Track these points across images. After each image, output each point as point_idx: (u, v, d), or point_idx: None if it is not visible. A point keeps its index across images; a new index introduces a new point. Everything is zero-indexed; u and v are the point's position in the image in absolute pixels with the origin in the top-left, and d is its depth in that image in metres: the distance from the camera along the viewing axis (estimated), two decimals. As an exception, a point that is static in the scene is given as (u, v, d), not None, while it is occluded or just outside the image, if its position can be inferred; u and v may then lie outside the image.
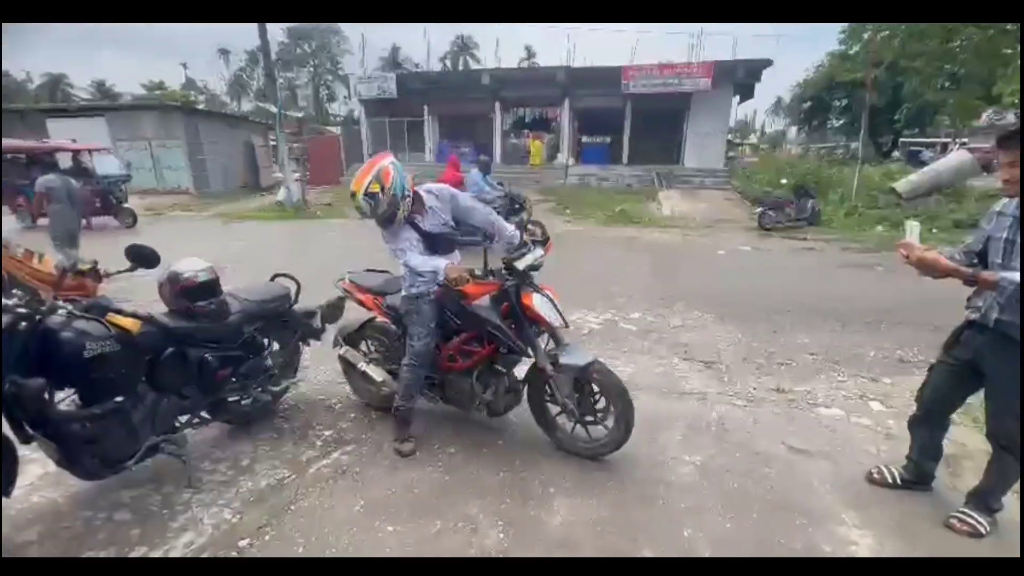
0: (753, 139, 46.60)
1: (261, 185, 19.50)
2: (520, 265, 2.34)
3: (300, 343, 3.14)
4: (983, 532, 2.06)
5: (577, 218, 11.96)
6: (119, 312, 1.93)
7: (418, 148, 20.00)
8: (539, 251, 2.48)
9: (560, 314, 2.43)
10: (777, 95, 44.66)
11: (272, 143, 19.15)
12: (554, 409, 2.59)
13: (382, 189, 2.26)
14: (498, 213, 7.20)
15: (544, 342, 2.54)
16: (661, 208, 13.14)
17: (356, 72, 21.58)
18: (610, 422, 2.45)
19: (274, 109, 13.79)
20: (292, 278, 3.01)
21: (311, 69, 45.39)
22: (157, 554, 1.96)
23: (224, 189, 17.88)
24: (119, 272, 2.17)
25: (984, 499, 2.09)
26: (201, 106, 29.20)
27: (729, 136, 20.92)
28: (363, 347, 3.07)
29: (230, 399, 2.68)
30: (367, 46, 23.29)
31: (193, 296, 2.37)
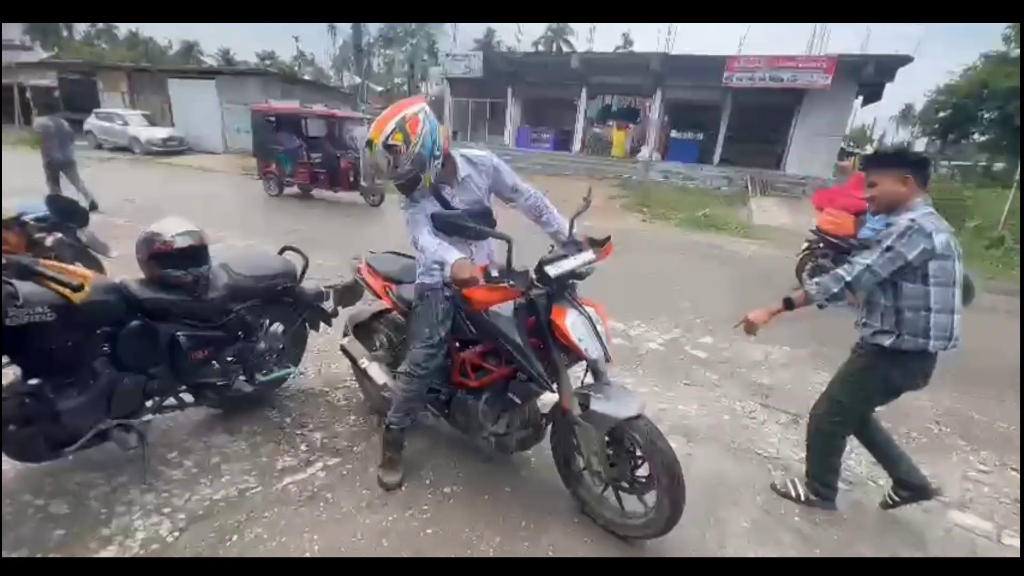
0: (869, 149, 41.46)
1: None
2: (554, 271, 1.74)
3: (306, 327, 2.77)
4: (793, 496, 2.27)
5: (654, 218, 10.97)
6: (42, 275, 1.59)
7: (498, 131, 19.63)
8: (587, 255, 1.87)
9: (602, 342, 1.81)
10: (905, 102, 39.32)
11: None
12: (582, 461, 1.98)
13: (406, 142, 1.74)
14: None
15: (582, 374, 1.94)
16: (752, 216, 11.76)
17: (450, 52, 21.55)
18: (651, 499, 1.81)
19: (370, 84, 13.96)
20: (300, 252, 2.62)
21: (409, 47, 46.57)
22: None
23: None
24: (37, 224, 1.90)
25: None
26: (307, 77, 30.84)
27: (841, 144, 18.53)
28: (376, 340, 2.62)
29: (218, 383, 2.35)
30: (462, 28, 23.17)
31: (168, 263, 2.02)
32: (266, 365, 2.53)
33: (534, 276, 1.78)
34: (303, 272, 2.59)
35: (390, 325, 2.47)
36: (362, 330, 2.59)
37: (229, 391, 2.35)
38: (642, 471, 1.84)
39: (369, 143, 1.79)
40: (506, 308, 1.86)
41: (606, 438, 1.80)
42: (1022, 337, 4.07)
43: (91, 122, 17.80)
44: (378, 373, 2.37)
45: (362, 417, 2.69)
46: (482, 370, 2.06)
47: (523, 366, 1.86)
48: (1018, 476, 2.65)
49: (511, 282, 1.72)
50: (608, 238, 2.01)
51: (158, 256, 2.00)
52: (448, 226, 1.78)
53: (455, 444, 2.42)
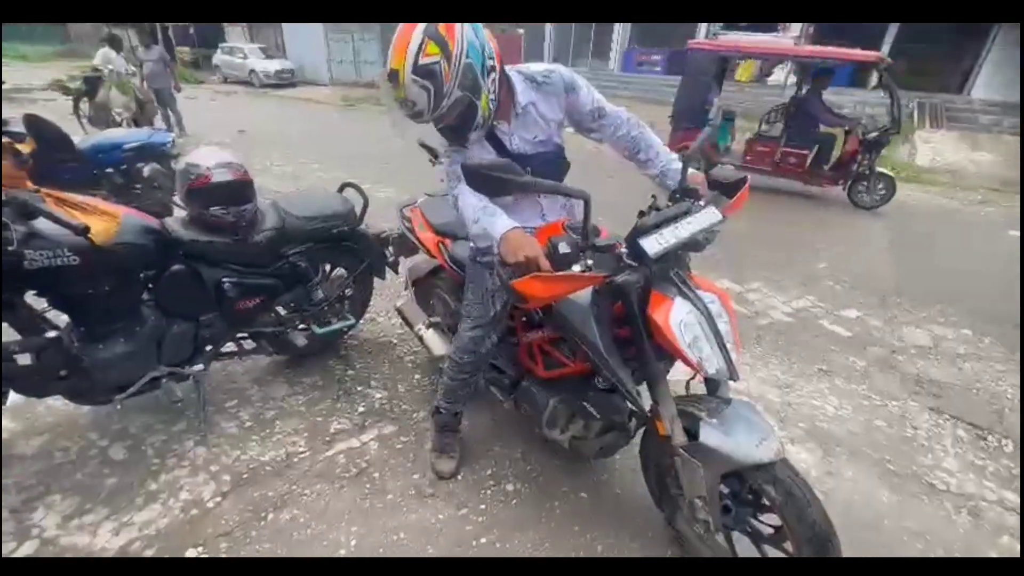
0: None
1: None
2: (654, 246, 1.15)
3: (371, 274, 2.49)
4: None
5: (783, 155, 9.23)
6: (49, 216, 1.37)
7: (602, 55, 17.80)
8: (708, 215, 1.25)
9: (725, 350, 1.23)
10: None
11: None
12: (682, 497, 1.48)
13: (445, 53, 1.14)
14: None
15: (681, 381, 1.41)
16: (916, 154, 9.49)
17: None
18: (777, 553, 1.29)
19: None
20: (359, 190, 2.28)
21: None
22: (110, 525, 1.56)
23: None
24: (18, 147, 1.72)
25: None
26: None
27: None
28: (435, 302, 2.26)
29: (274, 333, 2.18)
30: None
31: (208, 199, 1.77)
32: (326, 315, 2.31)
33: (624, 252, 1.20)
34: (363, 212, 2.27)
35: (448, 286, 2.06)
36: (422, 287, 2.23)
37: (285, 341, 2.18)
38: (769, 518, 1.31)
39: (392, 75, 1.16)
40: (581, 292, 1.33)
41: (718, 481, 1.27)
42: (1022, 312, 3.26)
43: (218, 57, 19.07)
44: (436, 343, 2.02)
45: (427, 376, 2.42)
46: (549, 359, 1.60)
47: (602, 373, 1.36)
48: None
49: (588, 263, 1.15)
50: (744, 180, 1.36)
51: (197, 191, 1.75)
52: (485, 183, 1.09)
53: (525, 429, 2.05)
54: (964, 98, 11.67)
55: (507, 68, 1.36)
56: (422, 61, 1.15)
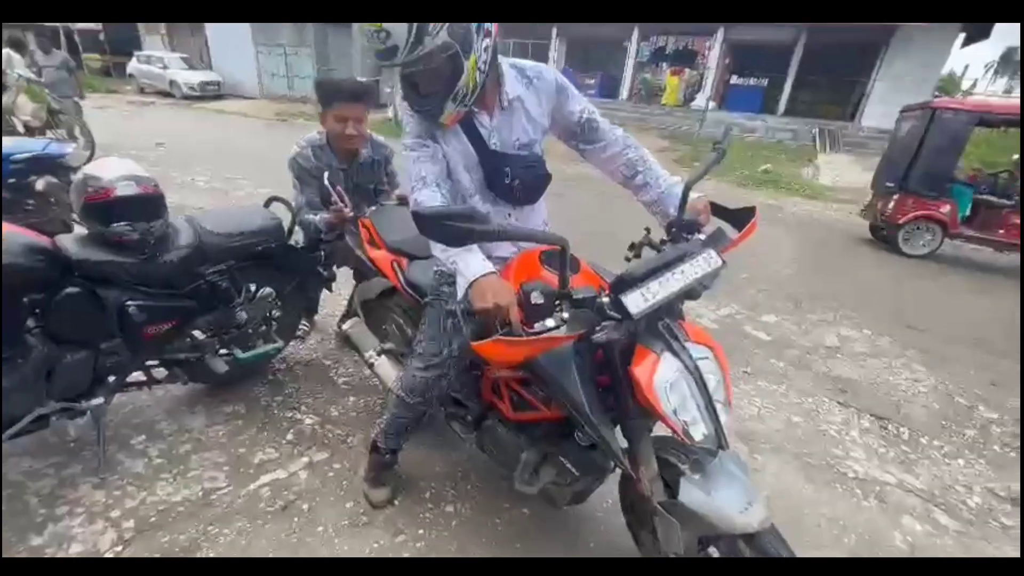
0: (961, 98, 36.68)
1: (381, 101, 19.39)
2: (638, 305, 1.00)
3: (305, 293, 2.37)
4: None
5: (707, 174, 9.89)
6: None
7: (539, 76, 18.33)
8: (708, 259, 1.11)
9: (715, 415, 1.07)
10: (1009, 44, 34.25)
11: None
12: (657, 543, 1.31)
13: None
14: None
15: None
16: (819, 175, 10.51)
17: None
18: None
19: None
20: (288, 204, 2.18)
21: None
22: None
23: (345, 102, 18.02)
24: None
25: None
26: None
27: (936, 94, 16.15)
28: (387, 325, 2.04)
29: (189, 359, 2.00)
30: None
31: (108, 215, 1.61)
32: (250, 338, 2.16)
33: (606, 302, 1.03)
34: (291, 228, 2.16)
35: (404, 310, 1.89)
36: (373, 310, 2.06)
37: (203, 368, 2.01)
38: None
39: None
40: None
41: (697, 542, 1.21)
42: (1022, 324, 3.60)
43: (133, 65, 17.77)
44: (389, 372, 1.86)
45: (362, 398, 2.32)
46: (518, 399, 1.41)
47: (582, 427, 1.20)
48: None
49: (564, 316, 1.00)
50: (752, 210, 1.26)
51: (94, 206, 1.59)
52: (444, 233, 0.90)
53: (465, 446, 2.00)
54: (854, 125, 13.13)
55: (502, 58, 1.26)
56: None
